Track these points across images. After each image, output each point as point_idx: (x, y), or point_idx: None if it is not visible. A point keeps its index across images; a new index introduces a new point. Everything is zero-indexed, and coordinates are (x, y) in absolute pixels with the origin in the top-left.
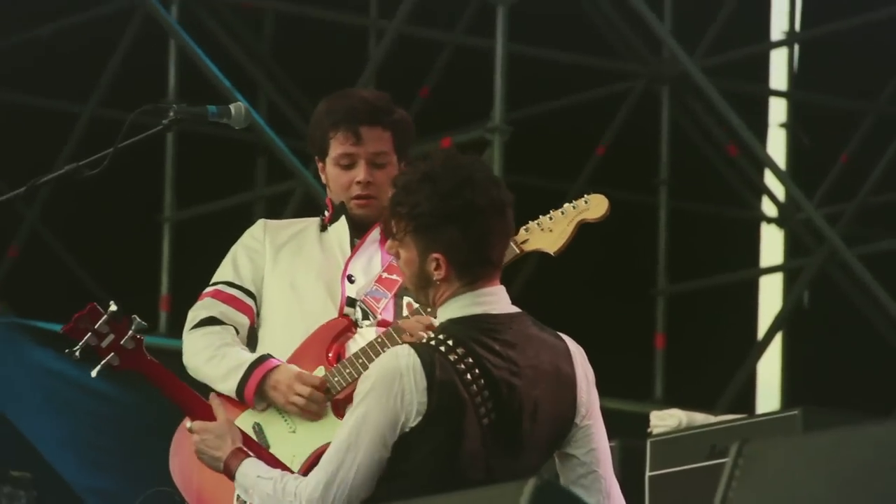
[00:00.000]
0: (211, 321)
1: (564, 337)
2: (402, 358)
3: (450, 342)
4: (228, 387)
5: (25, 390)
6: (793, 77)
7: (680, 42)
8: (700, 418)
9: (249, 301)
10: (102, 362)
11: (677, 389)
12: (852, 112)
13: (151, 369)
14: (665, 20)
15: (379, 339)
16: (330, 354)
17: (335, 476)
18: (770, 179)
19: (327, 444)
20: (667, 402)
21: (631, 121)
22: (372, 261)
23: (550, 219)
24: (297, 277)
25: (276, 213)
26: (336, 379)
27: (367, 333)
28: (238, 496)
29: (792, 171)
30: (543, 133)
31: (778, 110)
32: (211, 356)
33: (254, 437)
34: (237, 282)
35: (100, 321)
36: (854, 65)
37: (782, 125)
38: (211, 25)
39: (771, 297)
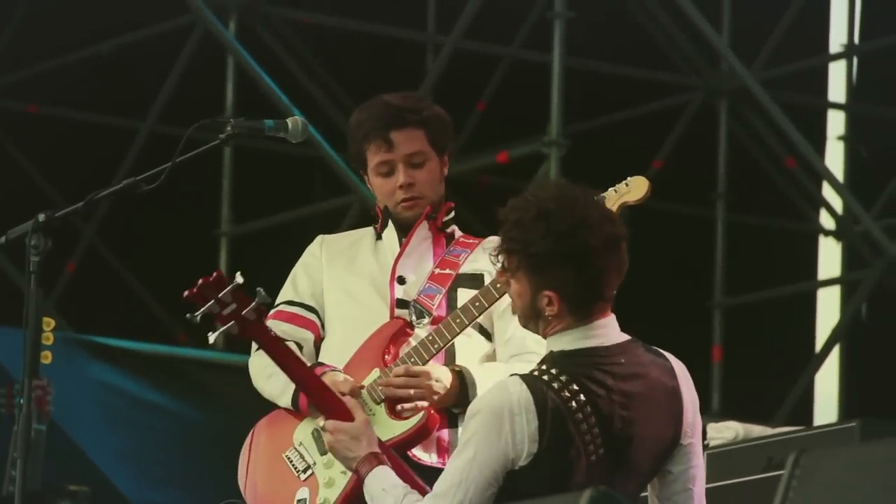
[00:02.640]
0: None
1: (669, 356)
2: (514, 394)
3: (562, 378)
4: (285, 401)
5: (83, 405)
6: (851, 89)
7: (738, 55)
8: (757, 430)
9: (311, 316)
10: (222, 328)
11: (734, 402)
12: None
13: (270, 342)
14: (723, 33)
15: (430, 337)
16: (387, 357)
17: None
18: (828, 192)
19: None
20: (724, 415)
21: (688, 134)
22: (423, 259)
23: None
24: (350, 285)
25: (333, 227)
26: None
27: (421, 333)
28: None
29: (850, 183)
30: (600, 147)
31: (836, 123)
32: (269, 374)
33: (313, 441)
34: (297, 299)
35: (225, 290)
36: None
37: (840, 137)
38: (268, 41)
39: (829, 309)
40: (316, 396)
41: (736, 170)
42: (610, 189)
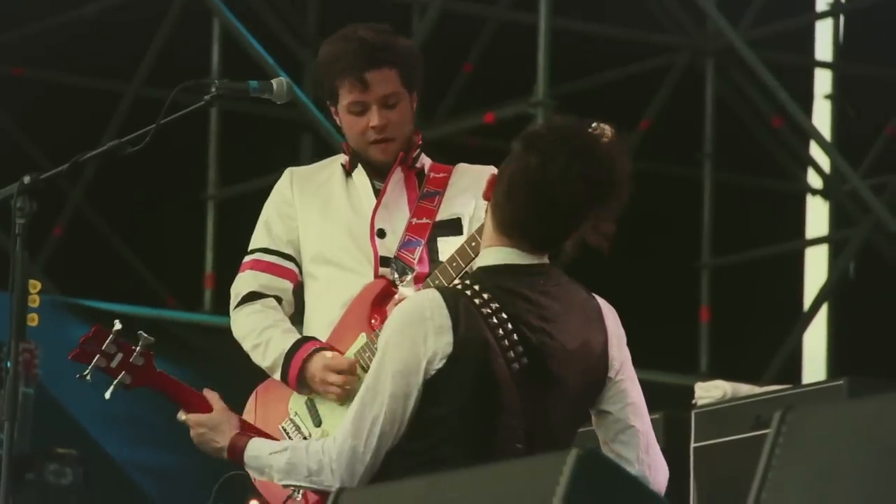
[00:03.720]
0: (252, 297)
1: (595, 296)
2: (426, 300)
3: (475, 287)
4: (277, 376)
5: (70, 368)
6: (838, 48)
7: (724, 14)
8: (745, 389)
9: (289, 264)
10: (115, 382)
11: (723, 362)
12: None
13: (163, 383)
14: None
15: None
16: (373, 320)
17: (361, 425)
18: (815, 151)
19: None
20: (712, 375)
21: (675, 94)
22: (399, 205)
23: None
24: (330, 241)
25: None
26: (375, 346)
27: (406, 291)
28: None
29: (837, 142)
30: (587, 107)
31: (823, 82)
32: (255, 344)
33: (307, 412)
34: (273, 247)
35: (106, 341)
36: None
37: (827, 97)
38: (254, 3)
39: (816, 268)
40: (185, 404)
41: (723, 130)
42: None
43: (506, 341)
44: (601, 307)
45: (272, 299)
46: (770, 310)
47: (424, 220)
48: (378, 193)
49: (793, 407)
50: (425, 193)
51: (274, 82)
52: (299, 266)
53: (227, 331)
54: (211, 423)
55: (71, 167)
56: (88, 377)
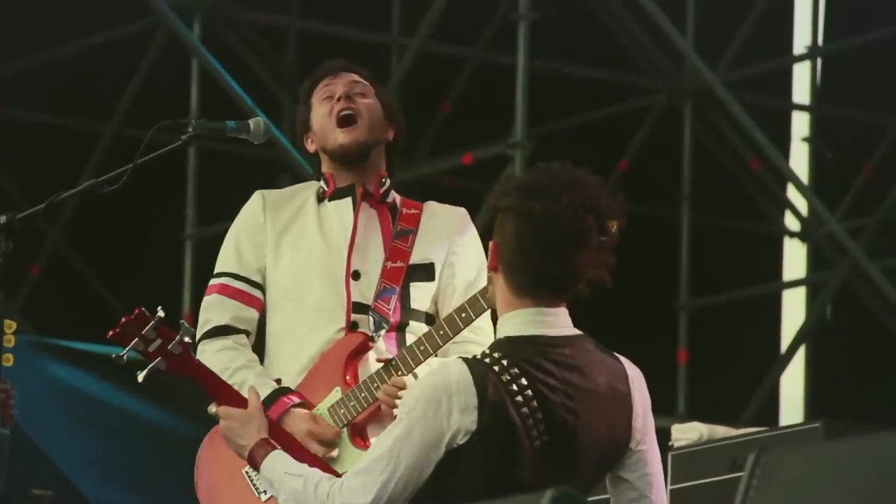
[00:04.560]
0: (224, 331)
1: (622, 359)
2: (453, 373)
3: (504, 362)
4: None
5: (46, 408)
6: (815, 91)
7: (702, 56)
8: (721, 431)
9: (256, 292)
10: (149, 367)
11: (700, 404)
12: (875, 126)
13: (199, 373)
14: (687, 34)
15: (394, 362)
16: (348, 377)
17: (371, 484)
18: (793, 193)
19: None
20: (690, 417)
21: (653, 135)
22: (373, 244)
23: None
24: (302, 278)
25: None
26: (352, 403)
27: (381, 345)
28: None
29: (815, 184)
30: (565, 148)
31: (801, 124)
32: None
33: None
34: (242, 273)
35: (147, 326)
36: (877, 78)
37: (805, 139)
38: (233, 44)
39: (794, 310)
40: (221, 397)
41: (701, 171)
42: None
43: (530, 420)
44: (628, 374)
45: (243, 335)
46: (747, 352)
47: (399, 264)
48: (353, 228)
49: (767, 449)
50: (399, 232)
51: (251, 122)
52: (264, 294)
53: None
54: (242, 419)
55: (48, 206)
56: (125, 358)
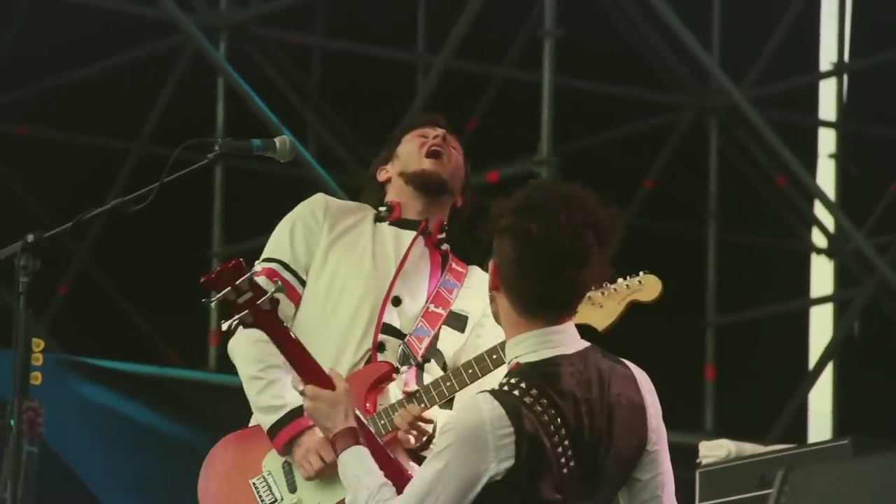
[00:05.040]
0: None
1: (629, 364)
2: (486, 412)
3: (533, 392)
4: (263, 421)
5: (74, 426)
6: (842, 107)
7: (728, 73)
8: (749, 448)
9: (299, 287)
10: (236, 317)
11: (728, 421)
12: None
13: (281, 334)
14: (713, 51)
15: (418, 394)
16: (367, 404)
17: None
18: (819, 210)
19: None
20: (717, 434)
21: (679, 152)
22: (420, 277)
23: (603, 294)
24: (343, 289)
25: None
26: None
27: (401, 380)
28: None
29: (841, 201)
30: (591, 165)
31: (827, 141)
32: (256, 376)
33: (282, 474)
34: (293, 265)
35: (242, 277)
36: None
37: (831, 156)
38: (259, 62)
39: (821, 327)
40: (304, 371)
41: (727, 188)
42: (621, 280)
43: (559, 446)
44: (637, 380)
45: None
46: (775, 368)
47: (440, 310)
48: (406, 251)
49: (795, 466)
50: (446, 282)
51: (277, 141)
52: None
53: (231, 389)
54: (331, 401)
55: (75, 225)
56: (213, 305)
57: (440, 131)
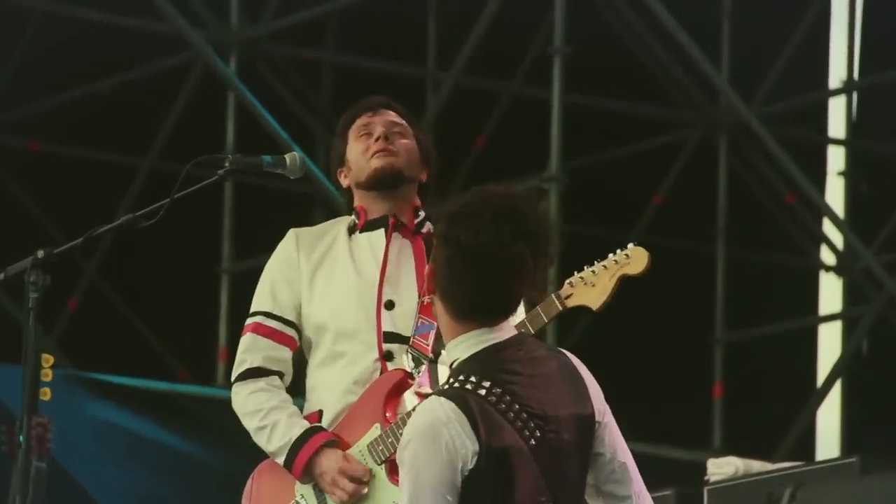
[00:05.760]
0: (257, 373)
1: (563, 350)
2: (437, 409)
3: (473, 378)
4: (279, 462)
5: (83, 442)
6: (851, 125)
7: (737, 90)
8: (757, 466)
9: (290, 331)
10: None
11: (736, 438)
12: None
13: None
14: (722, 69)
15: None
16: (388, 413)
17: None
18: (828, 227)
19: None
20: (725, 451)
21: (688, 169)
22: (405, 274)
23: (594, 272)
24: (336, 312)
25: None
26: (390, 440)
27: (421, 380)
28: None
29: (850, 218)
30: (600, 182)
31: (836, 158)
32: (260, 426)
33: (315, 499)
34: (276, 312)
35: None
36: None
37: (841, 173)
38: (269, 78)
39: (830, 345)
40: None
41: (736, 205)
42: (610, 256)
43: (518, 422)
44: (574, 364)
45: (276, 377)
46: (783, 386)
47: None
48: (384, 256)
49: (803, 484)
50: None
51: (287, 157)
52: (300, 332)
53: None
54: None
55: (85, 241)
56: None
57: (381, 121)
